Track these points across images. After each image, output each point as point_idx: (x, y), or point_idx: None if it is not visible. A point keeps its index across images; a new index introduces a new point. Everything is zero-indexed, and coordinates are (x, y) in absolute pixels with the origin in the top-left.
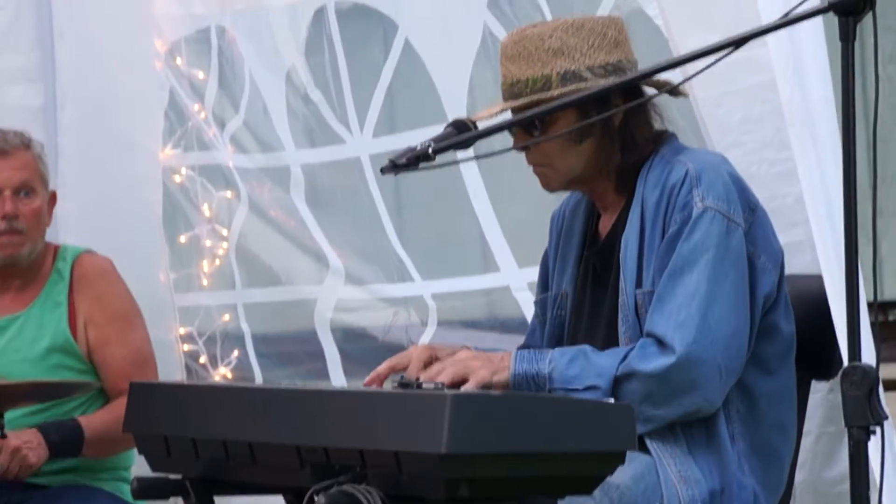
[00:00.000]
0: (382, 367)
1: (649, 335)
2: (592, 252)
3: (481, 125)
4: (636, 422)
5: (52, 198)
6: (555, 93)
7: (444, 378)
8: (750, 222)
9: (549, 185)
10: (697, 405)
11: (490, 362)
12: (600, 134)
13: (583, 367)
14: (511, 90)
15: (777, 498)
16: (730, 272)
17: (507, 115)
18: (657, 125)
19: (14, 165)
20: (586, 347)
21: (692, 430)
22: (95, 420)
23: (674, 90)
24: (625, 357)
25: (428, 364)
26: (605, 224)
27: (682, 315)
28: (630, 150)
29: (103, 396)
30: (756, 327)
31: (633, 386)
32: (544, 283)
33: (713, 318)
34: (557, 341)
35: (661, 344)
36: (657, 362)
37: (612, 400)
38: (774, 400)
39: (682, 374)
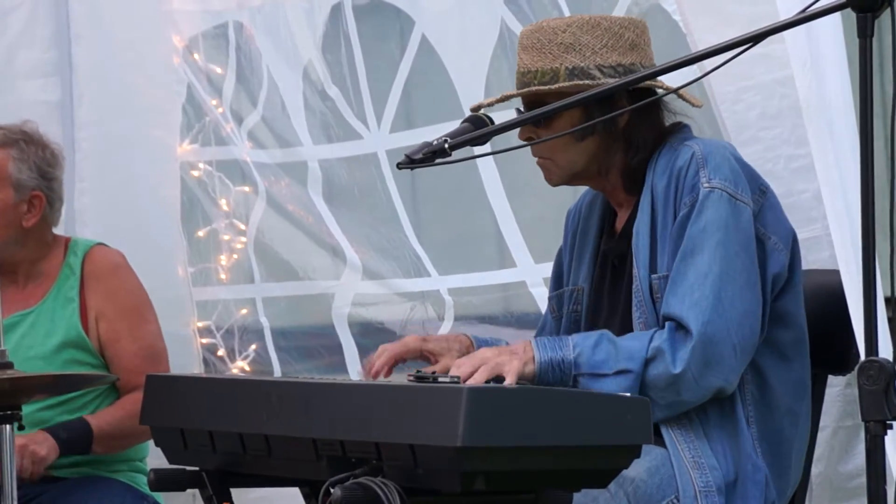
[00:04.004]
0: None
1: (667, 318)
2: (609, 246)
3: (497, 119)
4: (660, 407)
5: (36, 199)
6: (559, 87)
7: (480, 378)
8: (760, 204)
9: (551, 179)
10: (718, 385)
11: (515, 354)
12: (603, 133)
13: (609, 352)
14: (521, 80)
15: (781, 485)
16: (740, 252)
17: (518, 103)
18: (667, 122)
19: None
20: (606, 332)
21: (707, 413)
22: (104, 417)
23: (686, 97)
24: (651, 339)
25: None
26: (621, 220)
27: (696, 295)
28: (634, 150)
29: (116, 391)
30: (768, 308)
31: (661, 368)
32: (558, 280)
33: (727, 298)
34: None
35: (681, 326)
36: (684, 348)
37: (628, 394)
38: (789, 388)
39: (701, 354)
